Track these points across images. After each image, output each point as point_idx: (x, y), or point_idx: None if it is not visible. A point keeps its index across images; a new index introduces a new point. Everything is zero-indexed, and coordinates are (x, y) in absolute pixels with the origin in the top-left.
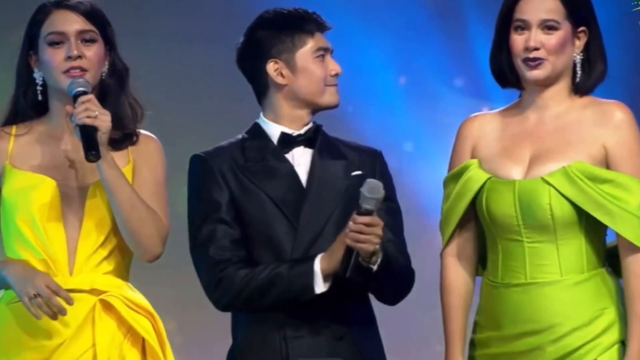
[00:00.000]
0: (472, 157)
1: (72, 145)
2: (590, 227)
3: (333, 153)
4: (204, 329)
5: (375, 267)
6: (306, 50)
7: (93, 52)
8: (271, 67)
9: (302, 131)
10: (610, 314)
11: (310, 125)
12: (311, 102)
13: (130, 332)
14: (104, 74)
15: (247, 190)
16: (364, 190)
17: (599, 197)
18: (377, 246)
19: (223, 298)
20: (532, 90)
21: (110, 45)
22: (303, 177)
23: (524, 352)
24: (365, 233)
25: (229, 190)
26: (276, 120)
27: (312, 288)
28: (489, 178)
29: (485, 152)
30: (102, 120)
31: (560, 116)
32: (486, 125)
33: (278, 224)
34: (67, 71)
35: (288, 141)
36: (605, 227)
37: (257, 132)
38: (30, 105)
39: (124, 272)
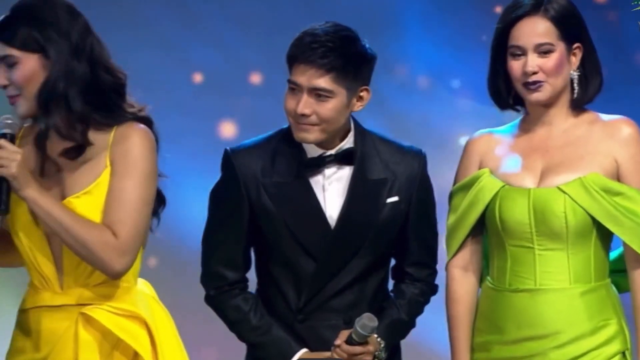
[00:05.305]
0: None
1: (52, 155)
2: (599, 239)
3: (372, 170)
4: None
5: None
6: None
7: (17, 75)
8: None
9: (334, 151)
10: (614, 325)
11: (344, 143)
12: None
13: (121, 340)
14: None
15: (267, 211)
16: (358, 325)
17: (611, 209)
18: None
19: (212, 307)
20: (535, 109)
21: (46, 53)
22: (332, 208)
23: (526, 357)
24: None
25: (249, 203)
26: None
27: None
28: (503, 186)
29: (494, 164)
30: (5, 166)
31: (569, 131)
32: (492, 141)
33: (297, 255)
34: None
35: (315, 165)
36: (610, 240)
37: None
38: None
39: (127, 277)
